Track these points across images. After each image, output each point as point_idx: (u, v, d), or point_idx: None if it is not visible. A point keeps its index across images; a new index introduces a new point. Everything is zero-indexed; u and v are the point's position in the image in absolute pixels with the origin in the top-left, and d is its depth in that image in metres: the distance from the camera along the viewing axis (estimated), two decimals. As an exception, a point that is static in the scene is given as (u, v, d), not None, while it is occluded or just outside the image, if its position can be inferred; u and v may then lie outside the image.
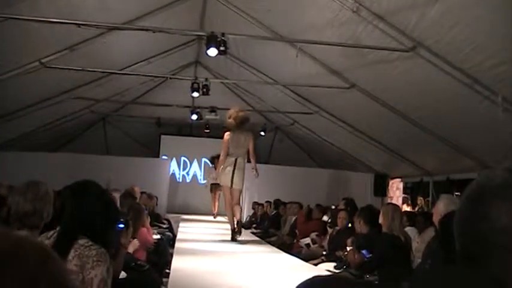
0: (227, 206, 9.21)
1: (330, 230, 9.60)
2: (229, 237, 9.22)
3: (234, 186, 9.04)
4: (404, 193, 17.39)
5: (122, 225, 4.09)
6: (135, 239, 6.65)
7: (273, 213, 14.27)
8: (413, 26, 8.48)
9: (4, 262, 0.74)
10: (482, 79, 8.70)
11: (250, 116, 9.55)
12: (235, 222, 9.02)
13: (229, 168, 8.97)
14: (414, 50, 8.86)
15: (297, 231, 11.46)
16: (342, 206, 9.94)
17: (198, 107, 16.42)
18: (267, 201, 15.34)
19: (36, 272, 0.77)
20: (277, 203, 14.31)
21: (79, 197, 3.38)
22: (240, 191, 9.32)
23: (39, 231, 3.65)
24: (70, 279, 0.84)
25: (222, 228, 12.32)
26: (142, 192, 12.03)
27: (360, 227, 7.33)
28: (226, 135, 9.15)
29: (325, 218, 10.88)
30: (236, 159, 9.00)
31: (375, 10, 8.71)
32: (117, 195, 11.51)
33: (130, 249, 6.44)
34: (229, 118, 9.17)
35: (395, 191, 17.30)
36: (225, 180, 9.07)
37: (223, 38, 9.32)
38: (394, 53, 9.43)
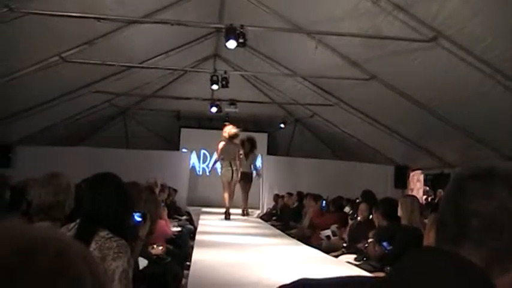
0: (225, 194, 12.77)
1: (351, 222, 9.58)
2: (250, 231, 10.28)
3: (233, 180, 12.72)
4: (425, 185, 17.28)
5: (139, 218, 4.11)
6: (161, 248, 6.70)
7: (294, 205, 14.21)
8: (433, 16, 8.41)
9: (23, 258, 0.75)
10: (504, 69, 8.61)
11: (239, 132, 13.06)
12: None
13: (229, 169, 12.63)
14: (435, 40, 8.79)
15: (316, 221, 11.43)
16: (360, 199, 9.92)
17: (218, 100, 16.43)
18: (288, 193, 15.26)
19: (56, 266, 0.77)
20: (301, 195, 14.25)
21: (98, 189, 3.41)
22: (236, 182, 12.91)
23: (60, 223, 3.68)
24: (94, 268, 0.84)
25: (242, 220, 12.38)
26: (162, 185, 12.05)
27: (379, 219, 7.31)
28: (221, 144, 12.74)
29: (347, 209, 10.86)
30: (230, 162, 12.64)
31: (395, 0, 8.65)
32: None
33: (154, 252, 6.50)
34: (225, 133, 12.84)
35: (416, 183, 17.20)
36: (227, 177, 12.67)
37: (242, 30, 9.33)
38: (415, 44, 9.37)
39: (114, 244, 3.17)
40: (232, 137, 12.89)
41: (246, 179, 13.82)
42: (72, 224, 3.37)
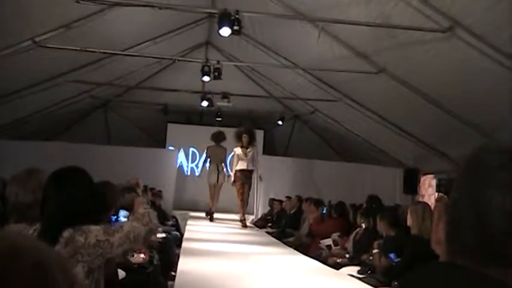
0: (211, 196, 13.88)
1: (356, 231, 9.59)
2: (242, 239, 10.39)
3: (219, 182, 13.67)
4: (437, 191, 17.28)
5: (125, 219, 4.07)
6: (142, 256, 6.67)
7: (293, 210, 14.19)
8: (450, 3, 8.40)
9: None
10: (527, 63, 8.61)
11: (224, 132, 14.00)
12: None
13: (215, 172, 13.65)
14: (451, 30, 8.77)
15: (316, 228, 11.42)
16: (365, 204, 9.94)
17: (209, 93, 16.40)
18: (287, 197, 15.23)
19: (34, 277, 0.81)
20: (301, 199, 14.25)
21: (64, 185, 3.33)
22: (221, 185, 13.77)
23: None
24: (71, 278, 0.88)
25: (234, 227, 12.37)
26: (145, 186, 12.03)
27: (384, 229, 7.31)
28: (208, 148, 14.02)
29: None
30: (217, 165, 13.75)
31: (407, -15, 8.65)
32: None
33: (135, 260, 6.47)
34: (212, 137, 14.06)
35: (428, 189, 17.19)
36: (213, 179, 13.66)
37: (237, 16, 9.30)
38: (429, 34, 9.35)
39: (82, 238, 3.15)
40: (219, 140, 13.94)
41: (245, 179, 12.93)
42: (33, 229, 3.30)
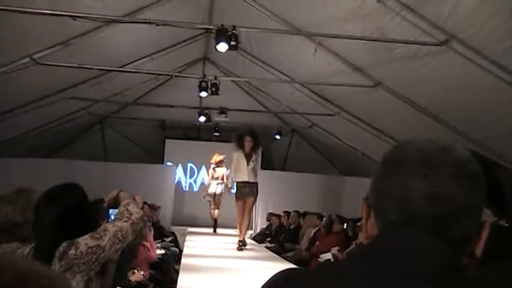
0: (212, 209, 15.46)
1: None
2: (242, 254, 10.37)
3: (217, 194, 15.28)
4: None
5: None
6: (142, 273, 6.64)
7: (291, 226, 14.19)
8: (446, 16, 8.41)
9: None
10: (524, 76, 8.61)
11: (225, 158, 14.81)
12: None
13: (214, 187, 15.33)
14: (447, 43, 8.79)
15: (317, 242, 11.38)
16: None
17: (207, 108, 16.43)
18: (285, 212, 15.24)
19: None
20: (299, 214, 14.26)
21: (57, 201, 3.31)
22: (220, 195, 15.25)
23: (31, 243, 3.62)
24: None
25: (233, 242, 12.32)
26: (144, 203, 12.00)
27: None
28: (211, 169, 15.62)
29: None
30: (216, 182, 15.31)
31: (403, -1, 8.67)
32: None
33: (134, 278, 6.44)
34: (212, 160, 15.44)
35: (426, 202, 17.18)
36: (213, 192, 15.36)
37: (234, 31, 9.33)
38: (425, 48, 9.37)
39: (72, 250, 3.14)
40: (218, 163, 15.30)
41: (246, 193, 10.83)
42: (28, 249, 3.27)
